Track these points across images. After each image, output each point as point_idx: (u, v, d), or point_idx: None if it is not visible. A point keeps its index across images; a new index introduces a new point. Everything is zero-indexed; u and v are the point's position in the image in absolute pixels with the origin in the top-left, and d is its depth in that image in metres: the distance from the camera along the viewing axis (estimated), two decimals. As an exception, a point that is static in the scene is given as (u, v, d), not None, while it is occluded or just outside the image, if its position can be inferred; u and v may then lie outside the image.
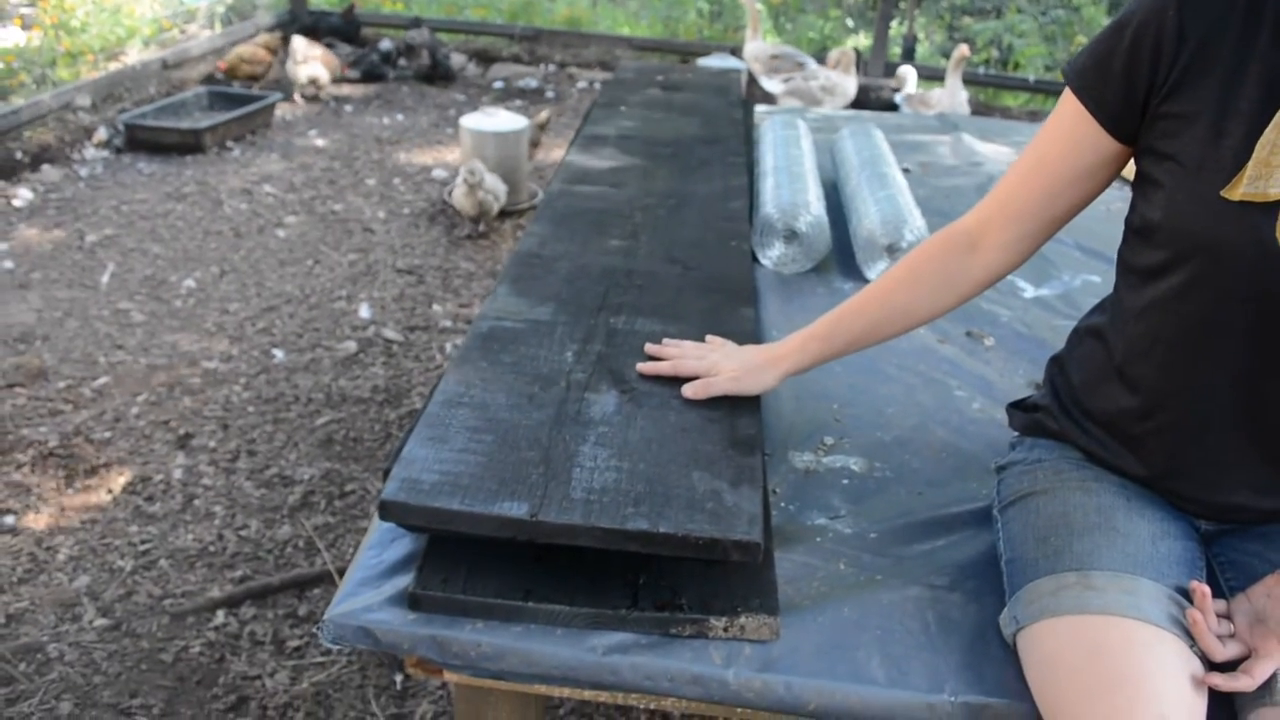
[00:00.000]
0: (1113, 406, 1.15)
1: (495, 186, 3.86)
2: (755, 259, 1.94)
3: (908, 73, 5.23)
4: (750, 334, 1.41)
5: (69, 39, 5.09)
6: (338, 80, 5.65)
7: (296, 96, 5.46)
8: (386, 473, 1.09)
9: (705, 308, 1.47)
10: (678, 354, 1.33)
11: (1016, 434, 1.33)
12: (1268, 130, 0.94)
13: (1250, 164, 0.94)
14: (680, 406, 1.23)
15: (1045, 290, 2.02)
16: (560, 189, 1.91)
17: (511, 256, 1.60)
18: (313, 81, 5.42)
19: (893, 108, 5.19)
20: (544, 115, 4.54)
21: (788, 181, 2.03)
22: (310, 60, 5.41)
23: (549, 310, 1.43)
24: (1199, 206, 0.98)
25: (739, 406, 1.25)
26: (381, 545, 1.15)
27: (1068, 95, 1.10)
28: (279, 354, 3.11)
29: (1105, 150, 1.09)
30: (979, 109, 5.85)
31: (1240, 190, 0.94)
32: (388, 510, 1.04)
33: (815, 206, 1.95)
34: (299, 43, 5.44)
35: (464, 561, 1.08)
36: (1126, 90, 1.04)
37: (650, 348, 1.35)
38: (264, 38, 5.46)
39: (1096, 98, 1.07)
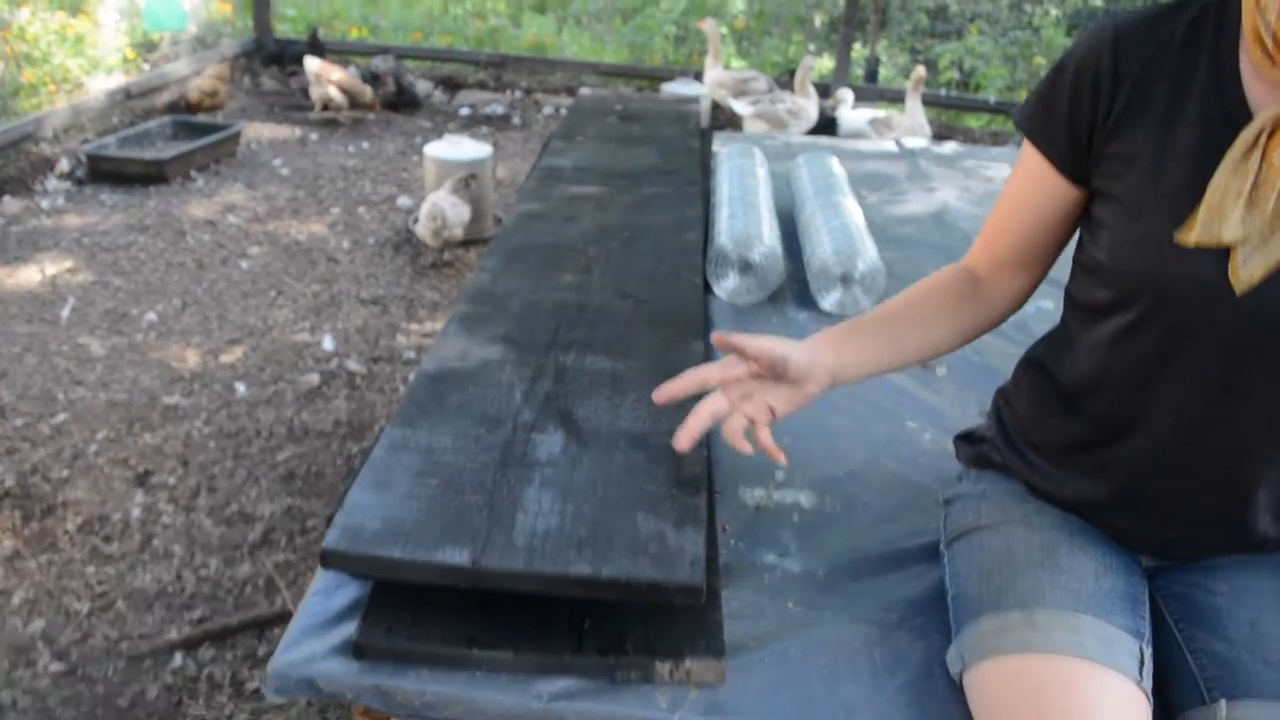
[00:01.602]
0: (1058, 439, 1.16)
1: (459, 216, 3.86)
2: (710, 290, 1.94)
3: (845, 94, 5.29)
4: (699, 364, 1.41)
5: (31, 70, 5.06)
6: (358, 105, 5.65)
7: (340, 119, 5.57)
8: (329, 520, 1.09)
9: (655, 342, 1.48)
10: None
11: (963, 466, 1.34)
12: (1218, 175, 0.94)
13: (1202, 209, 0.94)
14: (626, 446, 1.23)
15: (998, 316, 2.04)
16: (515, 223, 1.91)
17: (463, 294, 1.60)
18: (325, 105, 5.43)
19: (831, 126, 5.23)
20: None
21: (742, 212, 2.04)
22: (325, 83, 5.42)
23: (498, 349, 1.43)
24: (1143, 247, 0.99)
25: (686, 445, 1.25)
26: (327, 592, 1.15)
27: (1025, 142, 1.12)
28: (241, 387, 3.08)
29: (1066, 193, 1.10)
30: (941, 130, 5.91)
31: (1194, 236, 0.94)
32: (329, 559, 1.03)
33: (769, 237, 1.96)
34: (313, 64, 5.45)
35: (408, 608, 1.08)
36: (1071, 132, 1.05)
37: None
38: (213, 68, 5.45)
39: (1047, 141, 1.08)
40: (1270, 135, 0.92)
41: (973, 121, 6.28)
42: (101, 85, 5.18)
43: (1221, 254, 0.94)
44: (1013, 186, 1.16)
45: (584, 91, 3.45)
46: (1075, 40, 1.06)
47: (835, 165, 2.40)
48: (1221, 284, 0.94)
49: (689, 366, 1.42)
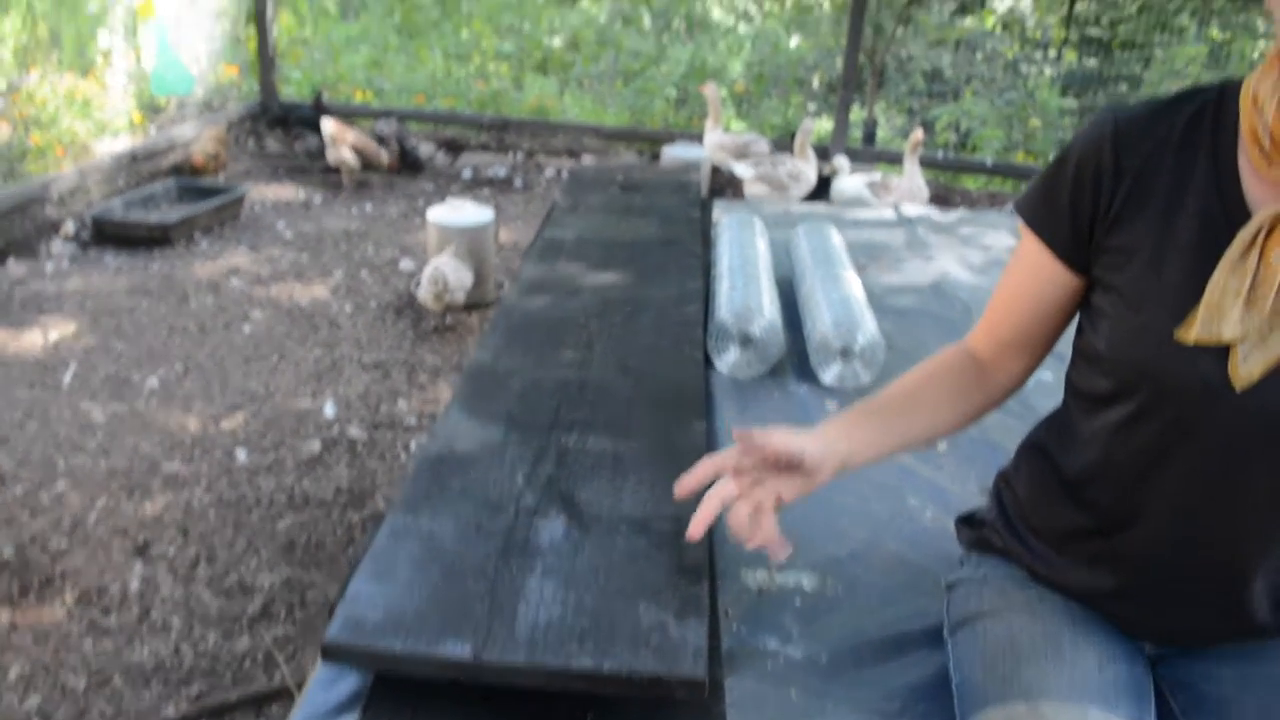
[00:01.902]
0: (1060, 525, 1.16)
1: (461, 280, 3.88)
2: (710, 363, 1.95)
3: (842, 162, 5.35)
4: (700, 448, 1.42)
5: (39, 133, 5.12)
6: (372, 168, 5.71)
7: (345, 180, 5.65)
8: (331, 609, 1.08)
9: (656, 422, 1.48)
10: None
11: (964, 549, 1.33)
12: (1216, 273, 0.95)
13: (1201, 307, 0.95)
14: (628, 531, 1.23)
15: (999, 390, 2.04)
16: (517, 298, 1.93)
17: (465, 372, 1.61)
18: (336, 168, 5.53)
19: (825, 187, 5.32)
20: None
21: (742, 284, 2.06)
22: (340, 145, 5.50)
23: (500, 430, 1.43)
24: (1143, 340, 1.00)
25: (688, 525, 1.24)
26: (328, 683, 1.14)
27: (1025, 230, 1.13)
28: (242, 454, 3.08)
29: (1067, 281, 1.11)
30: (940, 191, 5.96)
31: (1194, 334, 0.95)
32: (331, 652, 1.03)
33: (769, 310, 1.98)
34: (329, 126, 5.52)
35: (410, 701, 1.07)
36: (1073, 223, 1.06)
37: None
38: (210, 131, 5.52)
39: (1049, 232, 1.09)
40: (1268, 235, 0.93)
41: (970, 183, 6.34)
42: (108, 148, 5.23)
43: (1221, 350, 0.95)
44: (1013, 273, 1.17)
45: (585, 161, 3.49)
46: (1076, 133, 1.08)
47: (834, 236, 2.42)
48: (1221, 380, 0.95)
49: (690, 447, 1.43)
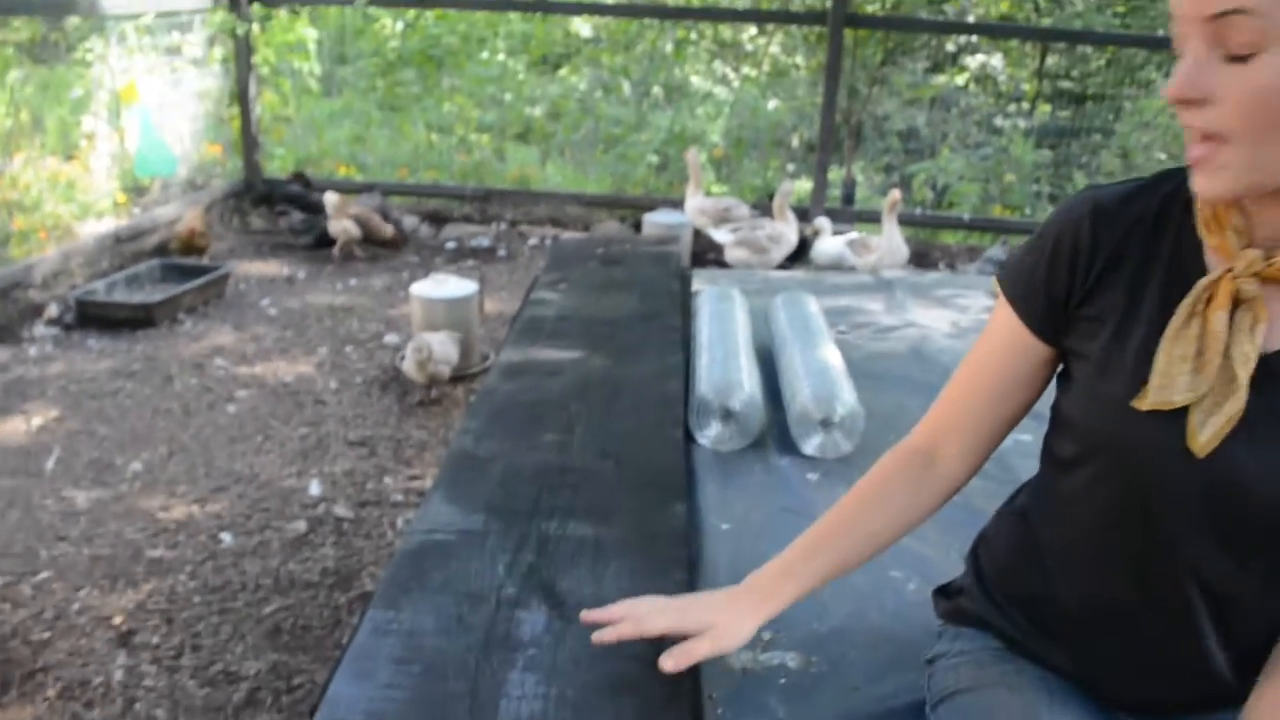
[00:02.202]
0: (1032, 592, 1.17)
1: (446, 353, 3.89)
2: (692, 438, 1.96)
3: (823, 223, 5.42)
4: (680, 531, 1.42)
5: (22, 217, 5.15)
6: (374, 241, 5.76)
7: (335, 252, 5.68)
8: (312, 711, 1.08)
9: (636, 506, 1.49)
10: (629, 613, 1.16)
11: (941, 622, 1.33)
12: (1163, 341, 0.98)
13: (1153, 374, 0.98)
14: (610, 621, 1.22)
15: (980, 455, 2.05)
16: (498, 379, 1.94)
17: (445, 459, 1.61)
18: (334, 240, 5.61)
19: (804, 250, 5.40)
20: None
21: (722, 358, 2.07)
22: (343, 218, 5.55)
23: (481, 519, 1.43)
24: (1104, 406, 1.03)
25: (669, 616, 1.24)
26: (309, 785, 1.13)
27: (1001, 302, 1.16)
28: (227, 538, 3.06)
29: (1039, 354, 1.13)
30: (920, 248, 6.03)
31: (1148, 401, 0.98)
32: (310, 758, 1.02)
33: (748, 384, 1.99)
34: (331, 198, 5.57)
35: (391, 804, 1.06)
36: (1049, 297, 1.10)
37: (589, 616, 1.17)
38: (191, 212, 5.56)
39: (1025, 306, 1.12)
40: (1208, 301, 0.97)
41: (949, 238, 6.41)
42: (91, 230, 5.26)
43: (1180, 417, 0.97)
44: (983, 345, 1.19)
45: (568, 229, 3.53)
46: (1055, 210, 1.12)
47: (812, 304, 2.45)
48: (1180, 447, 0.97)
49: (669, 530, 1.43)
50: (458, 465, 1.59)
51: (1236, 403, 0.94)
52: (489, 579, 1.29)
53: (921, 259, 6.00)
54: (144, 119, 5.23)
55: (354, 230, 5.58)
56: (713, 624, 1.16)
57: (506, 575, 1.30)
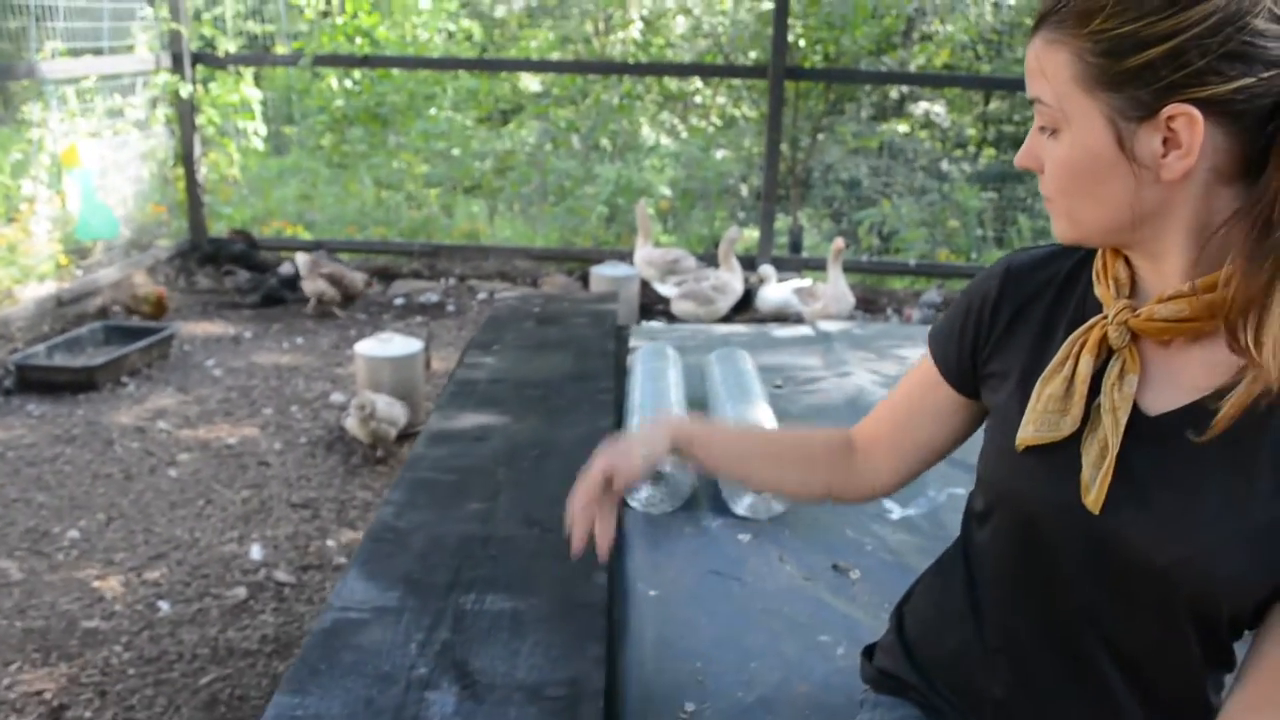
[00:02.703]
0: (950, 653, 1.17)
1: (391, 413, 3.86)
2: (624, 501, 1.96)
3: (768, 271, 5.48)
4: (599, 602, 1.41)
5: (-40, 282, 5.08)
6: (350, 297, 5.75)
7: (310, 309, 5.69)
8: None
9: (559, 576, 1.48)
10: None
11: (864, 687, 1.33)
12: (1039, 382, 1.02)
13: (1027, 411, 1.02)
14: (521, 700, 1.21)
15: (912, 510, 2.06)
16: (425, 446, 1.92)
17: (367, 532, 1.60)
18: (319, 299, 5.58)
19: (748, 302, 5.45)
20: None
21: (651, 420, 2.07)
22: (316, 277, 5.55)
23: (397, 595, 1.42)
24: (1004, 459, 1.06)
25: (582, 691, 1.23)
26: None
27: (927, 351, 1.23)
28: (164, 606, 3.01)
29: (947, 397, 1.20)
30: (866, 294, 6.09)
31: (1019, 438, 1.02)
32: None
33: (679, 446, 1.99)
34: (303, 259, 5.59)
35: None
36: (959, 348, 1.16)
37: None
38: (139, 276, 5.52)
39: (941, 356, 1.19)
40: (1083, 346, 1.00)
41: (896, 283, 6.48)
42: (32, 294, 5.19)
43: (1073, 473, 0.99)
44: (907, 382, 1.27)
45: (517, 283, 3.52)
46: (977, 275, 1.19)
47: (746, 361, 2.46)
48: (1072, 501, 0.99)
49: (590, 601, 1.42)
50: (378, 538, 1.57)
51: (1106, 453, 0.97)
52: (401, 659, 1.27)
53: (869, 305, 6.06)
54: (85, 182, 5.19)
55: (330, 290, 5.58)
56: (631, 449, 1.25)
57: (419, 654, 1.28)
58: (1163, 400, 0.98)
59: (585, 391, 2.22)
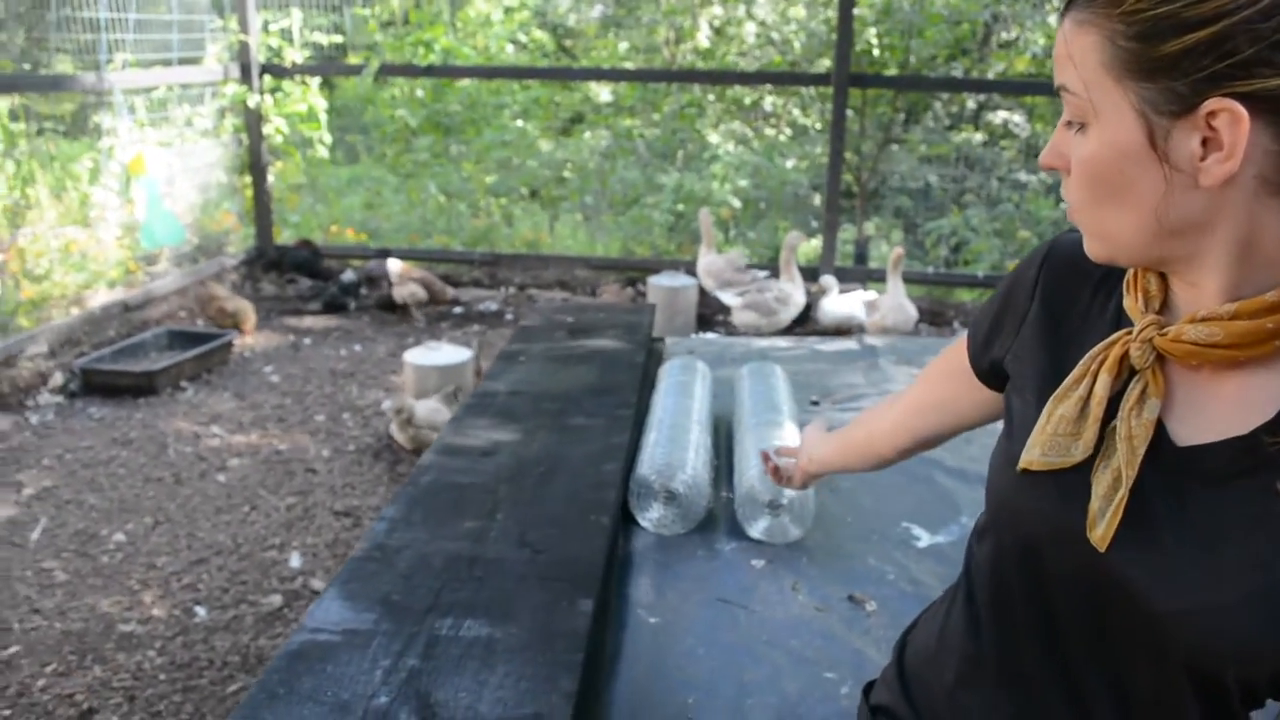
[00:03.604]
0: (945, 678, 1.07)
1: (434, 419, 3.84)
2: (634, 520, 1.89)
3: (830, 282, 5.36)
4: (581, 632, 1.34)
5: (32, 286, 5.20)
6: (437, 302, 5.88)
7: (412, 315, 5.84)
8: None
9: (541, 602, 1.41)
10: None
11: (861, 729, 1.24)
12: (1051, 400, 0.92)
13: (1034, 432, 0.92)
14: (481, 736, 1.14)
15: (941, 537, 1.95)
16: (432, 460, 1.87)
17: (355, 550, 1.55)
18: (405, 304, 5.72)
19: (809, 314, 5.35)
20: (476, 345, 4.61)
21: (668, 437, 2.00)
22: (407, 282, 5.67)
23: (373, 617, 1.36)
24: (1009, 471, 0.96)
25: (549, 728, 1.16)
26: None
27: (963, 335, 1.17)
28: (201, 612, 3.01)
29: (967, 383, 1.14)
30: (934, 306, 5.93)
31: (1023, 459, 0.92)
32: None
33: (693, 465, 1.91)
34: (395, 265, 5.73)
35: None
36: (989, 332, 1.07)
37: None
38: (210, 286, 5.57)
39: (971, 331, 1.12)
40: (1102, 363, 0.89)
41: (964, 295, 6.30)
42: (100, 300, 5.30)
43: (1083, 500, 0.88)
44: (933, 367, 1.24)
45: (577, 292, 3.48)
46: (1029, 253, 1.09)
47: (778, 376, 2.37)
48: (1076, 532, 0.88)
49: (570, 630, 1.35)
50: (365, 556, 1.52)
51: (1120, 486, 0.86)
52: (363, 687, 1.21)
53: (935, 317, 5.90)
54: (151, 190, 5.29)
55: (420, 294, 5.67)
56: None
57: (382, 682, 1.22)
58: (1189, 432, 0.86)
59: (604, 406, 2.15)
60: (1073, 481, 0.89)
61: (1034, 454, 0.91)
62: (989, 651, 1.02)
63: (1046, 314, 0.99)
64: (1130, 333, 0.89)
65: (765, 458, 1.71)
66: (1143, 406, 0.87)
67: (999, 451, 1.00)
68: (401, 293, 5.67)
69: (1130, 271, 0.92)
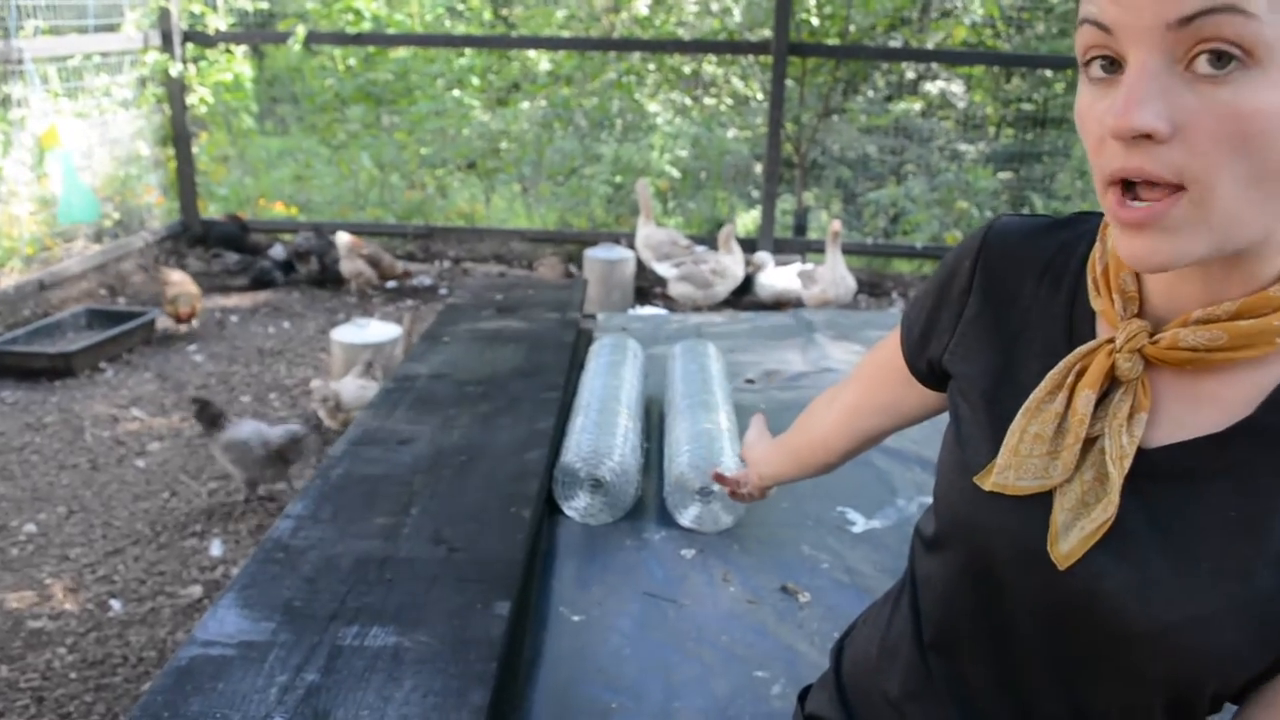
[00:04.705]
0: (888, 698, 1.00)
1: (362, 397, 3.72)
2: (559, 510, 1.81)
3: (764, 258, 5.30)
4: (497, 639, 1.26)
5: (-60, 265, 4.98)
6: (387, 277, 5.70)
7: (353, 290, 5.67)
8: None
9: (455, 606, 1.32)
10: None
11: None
12: (1019, 416, 0.82)
13: (1001, 452, 0.82)
14: (382, 759, 1.06)
15: (877, 522, 1.90)
16: (343, 451, 1.77)
17: (255, 551, 1.45)
18: (356, 279, 5.55)
19: (747, 289, 5.28)
20: (407, 321, 4.47)
21: (596, 422, 1.91)
22: (356, 257, 5.50)
23: (271, 627, 1.27)
24: (956, 480, 0.87)
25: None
26: None
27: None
28: (116, 605, 2.88)
29: (904, 382, 1.03)
30: (872, 278, 5.91)
31: (990, 480, 0.82)
32: None
33: (621, 451, 1.83)
34: (344, 238, 5.53)
35: None
36: (924, 329, 0.97)
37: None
38: (175, 274, 5.21)
39: (906, 326, 1.01)
40: (1079, 376, 0.80)
41: (903, 266, 6.28)
42: (14, 278, 5.08)
43: (1043, 512, 0.80)
44: (870, 360, 1.13)
45: (470, 281, 3.37)
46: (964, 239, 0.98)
47: (711, 355, 2.29)
48: (1037, 548, 0.80)
49: (485, 638, 1.27)
50: (266, 559, 1.42)
51: (1106, 508, 0.77)
52: (257, 707, 1.12)
53: (873, 289, 5.87)
54: (66, 164, 5.07)
55: (368, 270, 5.49)
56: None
57: (278, 702, 1.13)
58: (1160, 433, 0.78)
59: (531, 389, 2.06)
60: (1036, 495, 0.81)
61: (1007, 477, 0.81)
62: (936, 666, 0.94)
63: (987, 308, 0.90)
64: (1112, 341, 0.79)
65: (720, 479, 1.55)
66: (1132, 423, 0.78)
67: (947, 458, 0.91)
68: (349, 269, 5.51)
69: (1095, 267, 0.82)
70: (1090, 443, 0.79)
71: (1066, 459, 0.79)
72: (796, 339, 2.83)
